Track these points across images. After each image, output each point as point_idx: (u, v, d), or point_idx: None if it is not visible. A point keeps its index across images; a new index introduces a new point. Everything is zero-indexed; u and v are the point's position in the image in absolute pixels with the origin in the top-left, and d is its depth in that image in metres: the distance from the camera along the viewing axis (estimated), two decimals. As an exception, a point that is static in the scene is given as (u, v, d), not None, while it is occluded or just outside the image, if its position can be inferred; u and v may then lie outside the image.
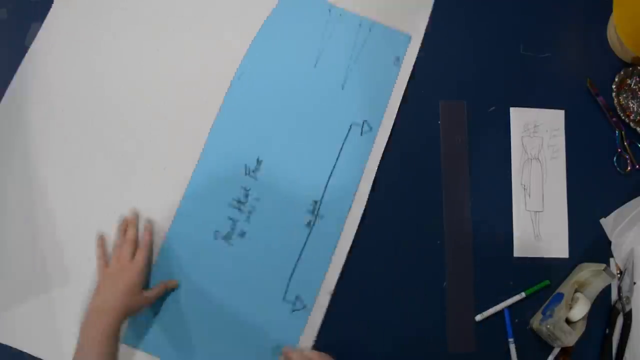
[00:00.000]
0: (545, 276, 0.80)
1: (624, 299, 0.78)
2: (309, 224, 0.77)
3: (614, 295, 0.80)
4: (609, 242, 0.82)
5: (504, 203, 0.82)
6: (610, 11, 0.86)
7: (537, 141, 0.83)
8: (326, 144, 0.80)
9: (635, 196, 0.82)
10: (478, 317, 0.78)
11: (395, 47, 0.84)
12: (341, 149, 0.79)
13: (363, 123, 0.80)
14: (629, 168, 0.84)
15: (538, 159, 0.83)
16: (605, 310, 0.80)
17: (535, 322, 0.78)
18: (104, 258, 0.74)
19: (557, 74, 0.86)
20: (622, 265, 0.80)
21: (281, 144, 0.80)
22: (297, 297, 0.76)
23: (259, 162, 0.79)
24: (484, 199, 0.82)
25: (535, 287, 0.79)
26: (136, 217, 0.77)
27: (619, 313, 0.78)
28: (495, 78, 0.85)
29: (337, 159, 0.79)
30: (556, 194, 0.83)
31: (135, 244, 0.74)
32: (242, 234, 0.77)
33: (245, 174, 0.79)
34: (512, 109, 0.84)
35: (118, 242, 0.75)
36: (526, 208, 0.82)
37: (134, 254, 0.73)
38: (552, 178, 0.83)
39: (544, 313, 0.77)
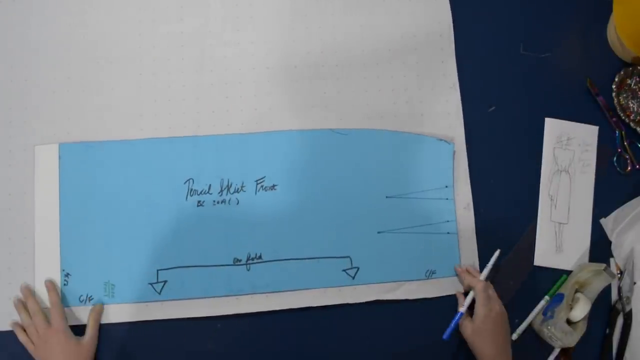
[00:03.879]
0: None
1: (624, 299, 0.78)
2: None
3: (614, 295, 0.80)
4: (609, 242, 0.82)
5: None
6: (610, 11, 0.86)
7: (569, 154, 0.83)
8: None
9: (635, 196, 0.82)
10: (514, 336, 0.77)
11: None
12: None
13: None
14: (629, 168, 0.84)
15: (568, 171, 0.82)
16: (606, 310, 0.80)
17: (536, 322, 0.78)
18: (29, 340, 0.71)
19: (557, 74, 0.86)
20: (622, 265, 0.80)
21: None
22: None
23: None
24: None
25: (556, 286, 0.80)
26: (28, 289, 0.73)
27: (619, 313, 0.79)
28: (495, 78, 0.85)
29: None
30: (582, 208, 0.82)
31: (42, 312, 0.71)
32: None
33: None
34: (547, 120, 0.84)
35: (26, 322, 0.71)
36: (551, 219, 0.82)
37: (48, 321, 0.70)
38: (579, 192, 0.82)
39: (544, 314, 0.77)
